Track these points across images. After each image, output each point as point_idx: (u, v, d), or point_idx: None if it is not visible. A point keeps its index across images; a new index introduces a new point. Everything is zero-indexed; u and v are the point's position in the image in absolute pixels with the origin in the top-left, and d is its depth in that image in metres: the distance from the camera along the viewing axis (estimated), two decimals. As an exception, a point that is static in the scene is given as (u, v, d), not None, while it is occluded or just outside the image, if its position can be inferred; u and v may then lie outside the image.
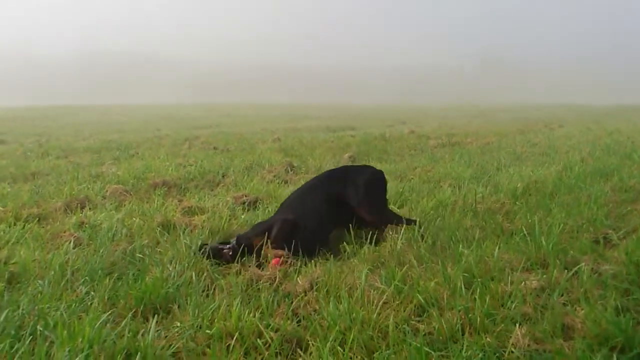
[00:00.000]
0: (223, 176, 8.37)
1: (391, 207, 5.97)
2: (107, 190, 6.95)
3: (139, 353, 2.74)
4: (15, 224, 5.25)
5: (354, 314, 3.07)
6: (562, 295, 3.34)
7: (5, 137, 17.94)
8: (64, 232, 4.96)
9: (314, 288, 3.58)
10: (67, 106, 58.44)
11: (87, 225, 5.20)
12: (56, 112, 43.72)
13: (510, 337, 2.85)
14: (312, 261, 4.18)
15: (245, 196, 6.35)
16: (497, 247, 4.18)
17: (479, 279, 3.53)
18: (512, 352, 2.75)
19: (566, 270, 3.69)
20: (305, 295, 3.48)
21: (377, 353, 2.79)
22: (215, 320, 3.08)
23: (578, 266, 3.71)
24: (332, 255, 4.23)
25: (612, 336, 2.78)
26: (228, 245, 4.27)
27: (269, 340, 2.91)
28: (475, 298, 3.25)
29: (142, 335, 2.95)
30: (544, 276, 3.63)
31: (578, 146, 12.80)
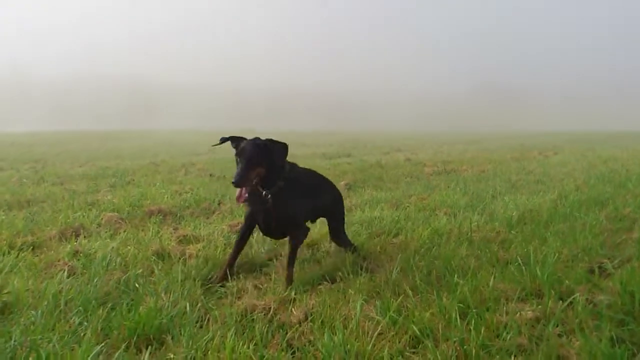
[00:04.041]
0: (219, 204, 8.36)
1: (386, 236, 5.99)
2: (102, 218, 6.93)
3: (131, 386, 2.72)
4: (9, 253, 5.22)
5: (348, 346, 3.06)
6: (557, 326, 3.34)
7: (1, 163, 17.93)
8: (58, 261, 4.94)
9: (309, 319, 3.57)
10: (65, 132, 58.56)
11: (81, 254, 5.18)
12: (54, 138, 43.78)
13: (506, 369, 2.84)
14: (307, 291, 4.18)
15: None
16: (493, 277, 4.19)
17: (474, 310, 3.53)
18: (508, 384, 2.74)
19: (561, 301, 3.69)
20: (300, 326, 3.46)
21: (372, 386, 2.77)
22: (209, 351, 3.06)
23: (573, 296, 3.72)
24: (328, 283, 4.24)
25: (608, 368, 2.77)
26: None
27: (263, 373, 2.89)
28: (470, 329, 3.24)
29: (135, 367, 2.93)
30: (539, 306, 3.63)
31: (573, 174, 12.85)
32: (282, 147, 4.31)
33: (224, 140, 4.41)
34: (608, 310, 3.51)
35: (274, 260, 5.08)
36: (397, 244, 5.66)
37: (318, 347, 3.12)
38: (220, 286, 4.30)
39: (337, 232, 5.24)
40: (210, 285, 4.35)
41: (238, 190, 4.15)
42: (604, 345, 2.95)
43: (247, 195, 4.16)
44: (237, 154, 4.23)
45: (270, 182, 4.34)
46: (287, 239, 4.77)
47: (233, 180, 4.09)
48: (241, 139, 4.36)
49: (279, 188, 4.38)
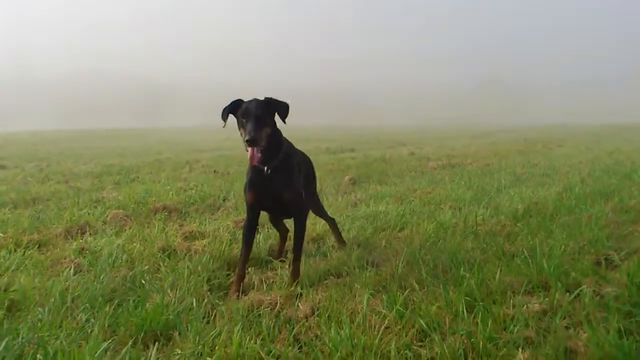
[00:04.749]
0: (224, 200, 8.37)
1: (391, 230, 5.98)
2: (107, 215, 6.94)
3: (139, 381, 2.72)
4: (15, 251, 5.23)
5: (355, 340, 3.06)
6: (564, 319, 3.33)
7: (6, 162, 17.97)
8: (64, 258, 4.95)
9: (316, 313, 3.56)
10: (69, 130, 58.62)
11: (87, 251, 5.19)
12: (57, 137, 43.85)
13: (513, 361, 2.83)
14: (314, 285, 4.18)
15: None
16: (499, 270, 4.18)
17: (480, 303, 3.52)
18: (515, 377, 2.74)
19: (568, 293, 3.68)
20: (307, 321, 3.46)
21: (379, 379, 2.77)
22: (216, 347, 3.06)
23: (580, 288, 3.70)
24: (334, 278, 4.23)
25: (616, 360, 2.76)
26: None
27: (270, 367, 2.88)
28: (477, 322, 3.23)
29: (143, 363, 2.93)
30: (546, 299, 3.62)
31: (578, 166, 12.82)
32: (284, 105, 4.15)
33: (225, 116, 4.12)
34: (615, 302, 3.49)
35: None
36: (402, 238, 5.66)
37: (325, 341, 3.12)
38: (237, 298, 4.01)
39: (314, 199, 5.18)
40: (216, 280, 4.35)
41: (250, 150, 3.88)
42: (611, 337, 2.94)
43: (259, 155, 3.93)
44: (241, 115, 3.96)
45: (270, 154, 4.11)
46: (292, 231, 4.70)
47: (247, 138, 3.79)
48: (237, 102, 4.11)
49: (279, 161, 4.18)
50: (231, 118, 4.12)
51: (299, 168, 4.51)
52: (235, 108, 4.07)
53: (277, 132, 4.19)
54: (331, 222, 5.46)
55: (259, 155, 3.93)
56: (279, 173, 4.19)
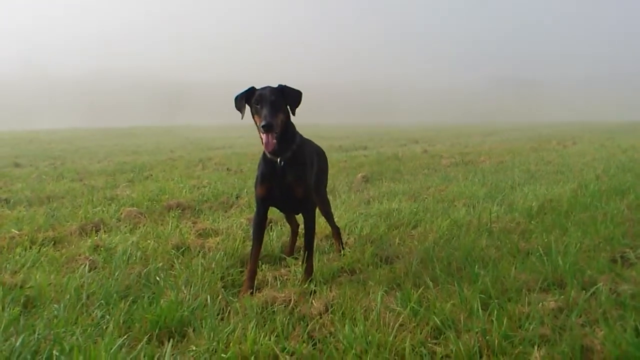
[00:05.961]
0: (237, 197, 8.39)
1: (405, 228, 5.96)
2: (121, 213, 6.98)
3: (154, 378, 2.72)
4: (30, 248, 5.27)
5: (370, 337, 3.05)
6: (580, 316, 3.30)
7: (21, 160, 18.12)
8: (79, 255, 4.98)
9: (330, 310, 3.56)
10: (85, 129, 59.03)
11: (102, 249, 5.22)
12: (73, 135, 44.16)
13: (529, 359, 2.81)
14: (327, 282, 4.17)
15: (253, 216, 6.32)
16: (514, 267, 4.16)
17: (495, 300, 3.50)
18: (531, 375, 2.72)
19: (584, 291, 3.65)
20: (321, 318, 3.46)
21: (394, 377, 2.76)
22: (231, 343, 3.06)
23: (596, 286, 3.67)
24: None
25: (633, 358, 2.74)
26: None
27: (285, 364, 2.88)
28: (492, 320, 3.21)
29: (158, 359, 2.94)
30: (562, 297, 3.59)
31: (592, 163, 12.72)
32: (297, 93, 4.09)
33: (241, 104, 4.05)
34: (632, 300, 3.46)
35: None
36: (416, 235, 5.64)
37: (339, 338, 3.11)
38: (251, 294, 3.96)
39: (323, 199, 4.97)
40: (230, 277, 4.36)
41: (265, 137, 3.81)
42: (628, 335, 2.91)
43: (275, 142, 3.86)
44: (256, 102, 3.89)
45: (284, 145, 4.02)
46: (301, 227, 4.62)
47: (263, 123, 3.72)
48: (251, 89, 4.03)
49: (292, 153, 4.08)
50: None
51: (311, 161, 4.43)
52: (248, 96, 4.01)
53: (290, 123, 4.13)
54: (336, 229, 5.21)
55: (275, 142, 3.87)
56: (291, 166, 4.10)
